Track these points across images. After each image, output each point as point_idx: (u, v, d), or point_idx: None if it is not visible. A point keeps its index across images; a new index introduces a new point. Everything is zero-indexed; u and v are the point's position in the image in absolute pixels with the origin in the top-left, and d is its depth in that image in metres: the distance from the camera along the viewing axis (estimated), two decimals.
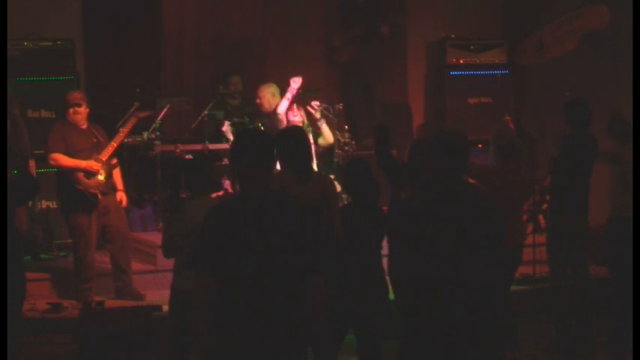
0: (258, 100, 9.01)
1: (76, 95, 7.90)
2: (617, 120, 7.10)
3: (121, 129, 8.14)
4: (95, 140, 7.89)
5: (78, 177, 7.71)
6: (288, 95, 8.78)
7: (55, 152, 7.70)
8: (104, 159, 7.81)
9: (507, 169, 6.36)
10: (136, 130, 8.91)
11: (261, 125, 9.07)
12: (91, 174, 7.75)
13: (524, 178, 6.52)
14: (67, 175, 7.74)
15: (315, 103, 9.01)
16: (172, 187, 5.94)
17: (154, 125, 9.18)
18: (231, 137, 8.80)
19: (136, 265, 8.60)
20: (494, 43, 10.76)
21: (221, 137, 9.32)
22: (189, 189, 5.69)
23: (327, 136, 9.10)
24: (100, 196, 7.79)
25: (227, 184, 8.82)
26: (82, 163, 7.74)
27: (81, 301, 7.65)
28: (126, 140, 8.61)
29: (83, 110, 7.82)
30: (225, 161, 8.78)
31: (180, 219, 5.46)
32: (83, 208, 7.75)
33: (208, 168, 5.76)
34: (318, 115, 8.94)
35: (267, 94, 8.92)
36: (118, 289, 7.97)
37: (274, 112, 8.83)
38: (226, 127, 8.90)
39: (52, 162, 7.74)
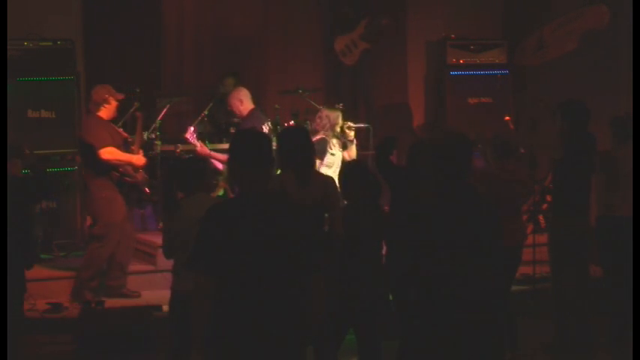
0: (229, 107, 8.90)
1: (105, 90, 7.89)
2: (625, 120, 7.09)
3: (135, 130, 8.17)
4: (122, 135, 7.95)
5: (128, 171, 7.76)
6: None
7: (108, 145, 7.66)
8: (139, 153, 7.89)
9: (505, 170, 6.36)
10: (133, 130, 8.92)
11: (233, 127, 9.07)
12: (136, 168, 7.80)
13: (522, 177, 6.52)
14: (112, 168, 7.73)
15: (352, 124, 8.70)
16: (165, 188, 5.92)
17: (154, 125, 9.19)
18: (196, 143, 8.66)
19: (135, 265, 8.61)
20: (494, 43, 10.77)
21: (221, 137, 9.32)
22: (182, 190, 5.68)
23: (352, 155, 8.47)
24: (147, 190, 7.88)
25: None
26: (133, 157, 7.82)
27: (81, 301, 7.65)
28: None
29: (112, 105, 7.84)
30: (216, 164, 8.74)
31: (177, 216, 5.45)
32: (123, 200, 7.81)
33: (199, 168, 5.73)
34: (352, 136, 8.43)
35: (235, 101, 8.74)
36: (113, 288, 7.95)
37: (244, 118, 8.74)
38: (190, 134, 8.72)
39: (107, 155, 7.65)
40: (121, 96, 7.91)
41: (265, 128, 8.51)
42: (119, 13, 10.26)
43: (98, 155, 7.65)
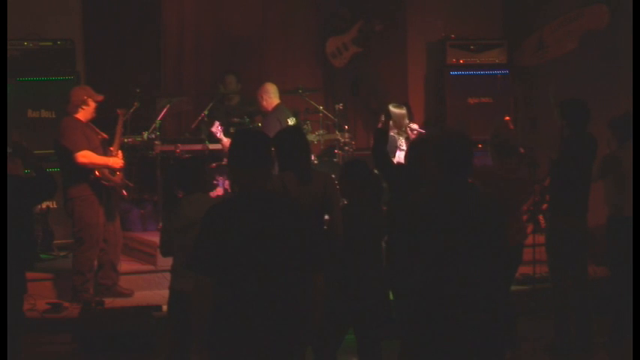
0: (258, 105, 9.16)
1: (84, 92, 7.86)
2: (623, 120, 7.08)
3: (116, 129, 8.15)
4: (100, 136, 7.90)
5: (105, 174, 7.72)
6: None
7: (84, 149, 7.62)
8: (117, 155, 7.85)
9: (505, 169, 6.35)
10: (136, 130, 8.92)
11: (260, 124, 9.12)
12: (114, 171, 7.78)
13: (522, 177, 6.51)
14: (89, 171, 7.69)
15: (415, 126, 8.73)
16: (166, 187, 5.95)
17: (153, 125, 9.19)
18: (222, 137, 8.74)
19: (135, 265, 8.62)
20: (494, 43, 10.76)
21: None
22: (182, 189, 5.69)
23: (401, 157, 8.55)
24: (125, 193, 7.85)
25: (227, 183, 8.83)
26: (109, 160, 7.77)
27: (80, 301, 7.65)
28: (125, 140, 8.62)
29: (91, 106, 7.81)
30: (225, 161, 8.78)
31: (176, 214, 5.47)
32: (100, 202, 7.77)
33: (198, 168, 5.75)
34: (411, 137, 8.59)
35: (261, 96, 9.02)
36: (107, 287, 7.93)
37: (269, 113, 8.89)
38: (216, 128, 8.81)
39: (83, 159, 7.60)
40: (100, 98, 7.84)
41: (289, 123, 8.61)
42: (119, 13, 10.26)
43: (74, 159, 7.61)
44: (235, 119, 9.36)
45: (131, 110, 8.62)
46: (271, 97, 8.96)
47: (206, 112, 9.59)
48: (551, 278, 7.04)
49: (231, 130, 9.30)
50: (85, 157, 7.62)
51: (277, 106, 8.94)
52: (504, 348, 4.78)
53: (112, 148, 7.84)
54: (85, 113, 7.79)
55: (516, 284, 7.37)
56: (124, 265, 8.32)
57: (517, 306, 7.02)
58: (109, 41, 10.21)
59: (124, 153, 8.05)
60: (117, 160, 7.82)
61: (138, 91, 8.73)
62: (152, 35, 10.57)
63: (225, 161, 8.80)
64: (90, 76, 9.78)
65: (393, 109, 8.25)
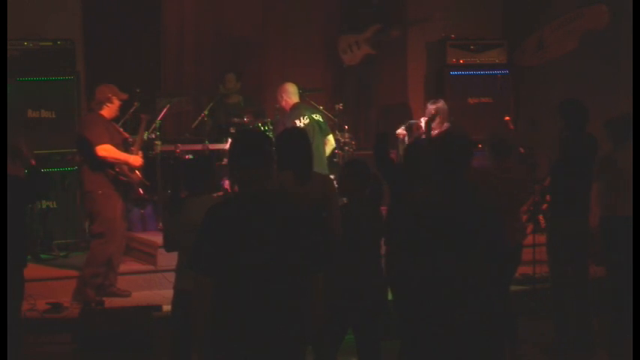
0: (277, 103, 9.17)
1: (108, 90, 7.89)
2: (620, 121, 7.07)
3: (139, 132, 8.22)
4: (122, 135, 7.94)
5: (124, 170, 7.76)
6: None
7: (105, 143, 7.64)
8: (138, 154, 7.89)
9: (503, 169, 6.34)
10: (135, 130, 8.93)
11: (264, 125, 9.11)
12: (132, 169, 7.81)
13: (520, 176, 6.50)
14: (108, 166, 7.72)
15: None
16: (173, 186, 5.94)
17: (153, 125, 9.19)
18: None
19: (135, 265, 8.61)
20: (494, 43, 10.76)
21: (221, 137, 9.33)
22: (188, 189, 5.69)
23: None
24: (141, 192, 7.87)
25: (227, 183, 8.84)
26: (130, 157, 7.82)
27: (83, 299, 7.65)
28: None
29: (115, 104, 7.84)
30: (226, 161, 8.78)
31: (180, 217, 5.46)
32: (119, 197, 7.81)
33: (207, 168, 5.75)
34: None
35: (280, 96, 9.02)
36: (103, 287, 7.93)
37: (286, 113, 8.93)
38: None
39: (103, 152, 7.63)
40: (124, 96, 7.92)
41: (302, 121, 8.61)
42: (119, 13, 10.26)
43: (95, 152, 7.64)
44: (235, 119, 9.35)
45: (131, 110, 8.63)
46: (290, 97, 8.96)
47: (206, 112, 9.59)
48: (551, 278, 7.04)
49: (231, 130, 9.31)
50: (105, 150, 7.66)
51: (293, 106, 8.93)
52: (504, 348, 4.79)
53: (133, 148, 7.90)
54: (109, 111, 7.84)
55: (516, 284, 7.36)
56: (124, 265, 8.32)
57: (517, 306, 7.01)
58: (109, 41, 10.22)
59: (143, 153, 8.10)
60: (137, 158, 7.89)
61: (138, 91, 8.73)
62: (152, 35, 10.58)
63: (225, 161, 8.80)
64: (90, 76, 9.78)
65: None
